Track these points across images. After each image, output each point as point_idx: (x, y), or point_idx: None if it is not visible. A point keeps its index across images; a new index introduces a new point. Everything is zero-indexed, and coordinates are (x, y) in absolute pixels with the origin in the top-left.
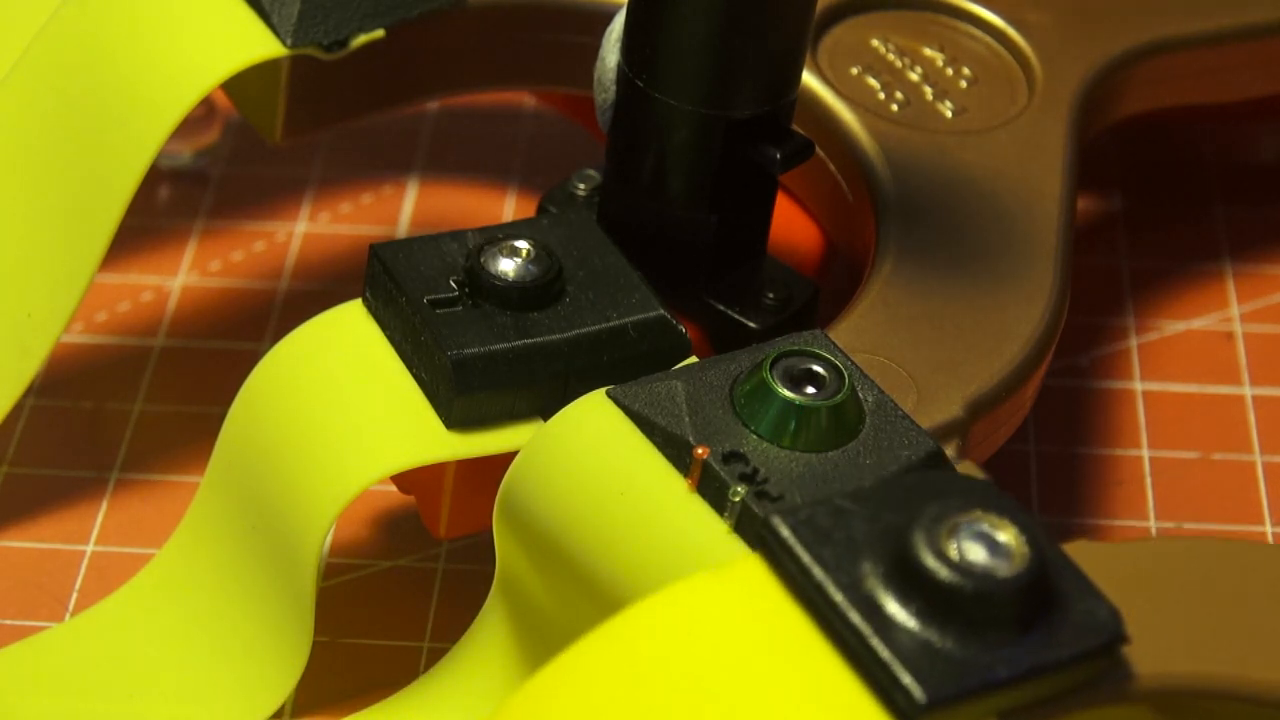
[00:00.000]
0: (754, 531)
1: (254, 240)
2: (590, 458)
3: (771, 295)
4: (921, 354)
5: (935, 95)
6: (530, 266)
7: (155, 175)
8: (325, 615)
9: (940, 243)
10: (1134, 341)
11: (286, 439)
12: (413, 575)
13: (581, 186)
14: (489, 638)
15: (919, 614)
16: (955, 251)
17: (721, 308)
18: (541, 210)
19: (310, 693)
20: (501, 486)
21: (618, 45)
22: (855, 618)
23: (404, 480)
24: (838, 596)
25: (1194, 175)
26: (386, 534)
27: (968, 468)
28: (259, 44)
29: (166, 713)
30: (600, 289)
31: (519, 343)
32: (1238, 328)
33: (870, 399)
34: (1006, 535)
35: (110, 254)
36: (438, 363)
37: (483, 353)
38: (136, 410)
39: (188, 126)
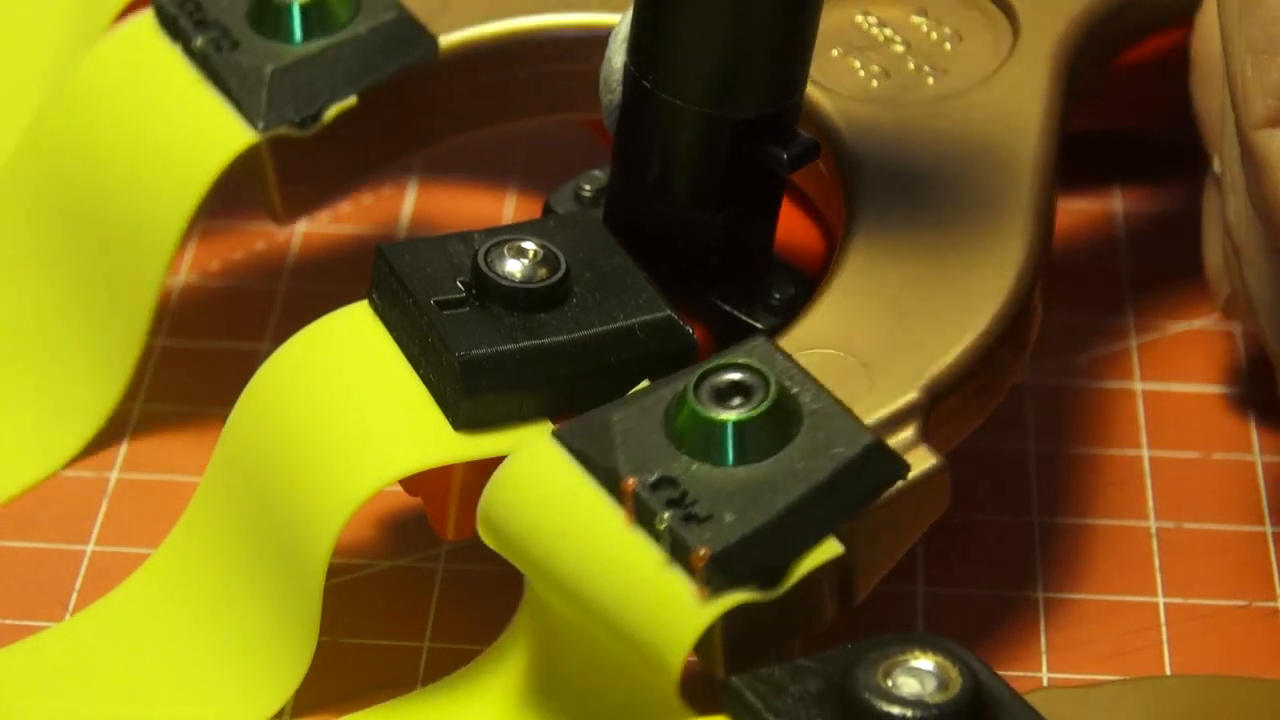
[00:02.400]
0: (685, 560)
1: (254, 240)
2: (537, 503)
3: (778, 295)
4: (882, 336)
5: (916, 63)
6: (537, 268)
7: None
8: (325, 615)
9: (910, 221)
10: (1134, 341)
11: (292, 441)
12: (413, 575)
13: (587, 187)
14: (513, 646)
15: None
16: (924, 229)
17: (728, 308)
18: (547, 211)
19: (310, 693)
20: (478, 524)
21: (624, 46)
22: None
23: (410, 482)
24: None
25: (1193, 175)
26: (386, 534)
27: (920, 456)
28: (235, 135)
29: (167, 713)
30: (607, 290)
31: (527, 344)
32: (1238, 327)
33: (808, 399)
34: (939, 667)
35: None
36: (445, 364)
37: (491, 354)
38: (136, 410)
39: None
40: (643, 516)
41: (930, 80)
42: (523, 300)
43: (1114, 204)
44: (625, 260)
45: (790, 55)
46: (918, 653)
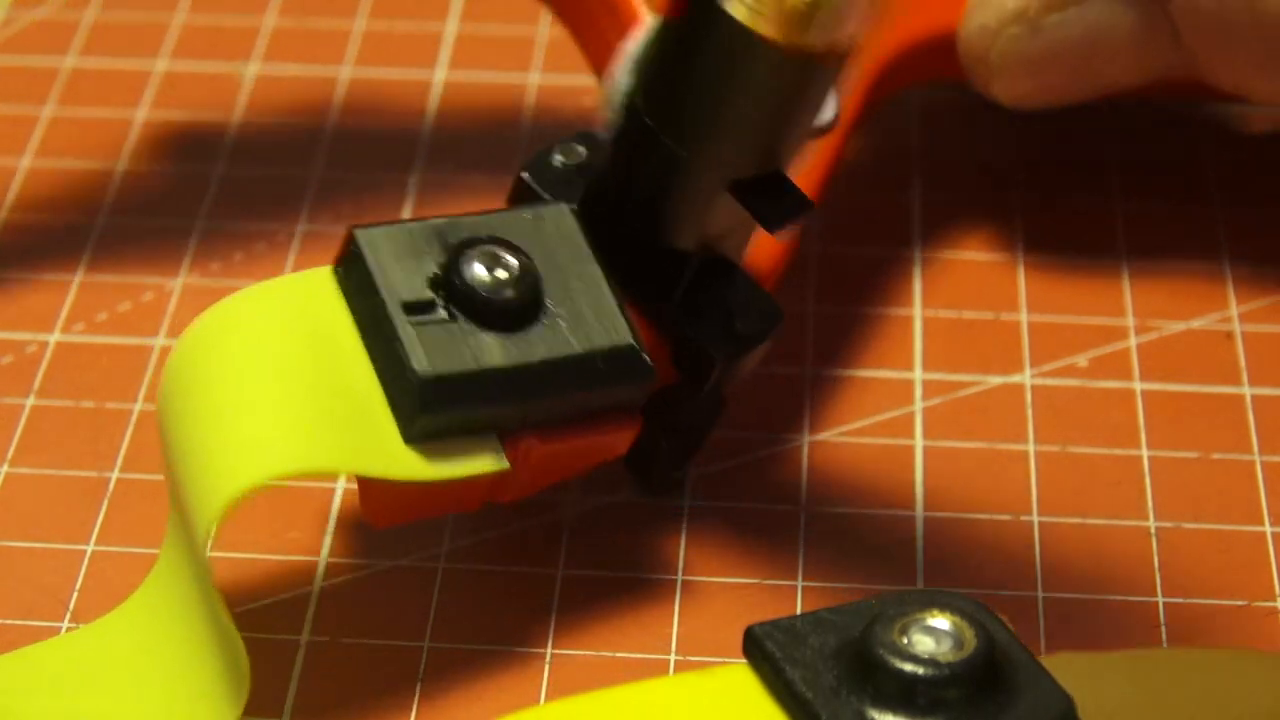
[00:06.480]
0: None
1: (254, 240)
2: None
3: (740, 325)
4: None
5: None
6: (508, 286)
7: (156, 180)
8: (325, 615)
9: None
10: (1133, 341)
11: (200, 416)
12: (413, 575)
13: (560, 159)
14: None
15: (875, 701)
16: None
17: (690, 335)
18: (519, 183)
19: (310, 693)
20: None
21: (632, 67)
22: (824, 714)
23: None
24: (808, 694)
25: (1193, 175)
26: (386, 534)
27: None
28: None
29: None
30: (575, 310)
31: (490, 366)
32: (1237, 327)
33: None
34: (955, 627)
35: (110, 254)
36: (406, 374)
37: (452, 374)
38: (136, 410)
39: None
40: None
41: None
42: (491, 317)
43: (1115, 204)
44: (596, 272)
45: (798, 126)
46: (935, 611)
